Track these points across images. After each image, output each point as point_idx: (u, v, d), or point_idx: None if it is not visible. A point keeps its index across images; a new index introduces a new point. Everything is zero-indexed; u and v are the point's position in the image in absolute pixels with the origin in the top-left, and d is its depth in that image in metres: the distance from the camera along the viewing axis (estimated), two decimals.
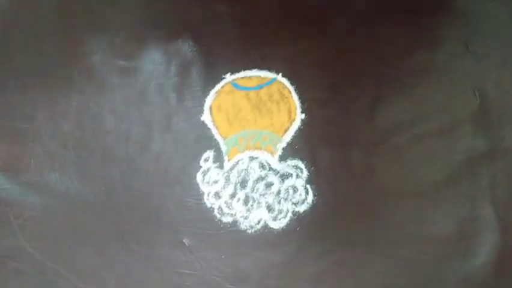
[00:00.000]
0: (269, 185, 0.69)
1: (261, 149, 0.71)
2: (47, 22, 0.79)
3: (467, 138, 0.70)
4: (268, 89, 0.74)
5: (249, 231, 0.67)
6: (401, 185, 0.68)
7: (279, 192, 0.69)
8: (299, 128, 0.71)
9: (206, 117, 0.73)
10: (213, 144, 0.71)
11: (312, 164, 0.70)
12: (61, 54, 0.77)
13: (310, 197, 0.68)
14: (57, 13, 0.78)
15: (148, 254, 0.66)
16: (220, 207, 0.68)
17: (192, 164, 0.70)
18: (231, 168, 0.70)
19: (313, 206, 0.68)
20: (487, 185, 0.68)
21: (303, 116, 0.72)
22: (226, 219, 0.68)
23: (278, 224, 0.67)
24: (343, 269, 0.65)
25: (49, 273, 0.66)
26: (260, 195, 0.69)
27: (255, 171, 0.70)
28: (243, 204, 0.68)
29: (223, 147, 0.71)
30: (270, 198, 0.68)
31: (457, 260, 0.64)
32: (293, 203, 0.68)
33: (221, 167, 0.70)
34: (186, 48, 0.75)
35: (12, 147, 0.72)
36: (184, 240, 0.67)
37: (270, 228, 0.67)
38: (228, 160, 0.71)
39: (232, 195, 0.69)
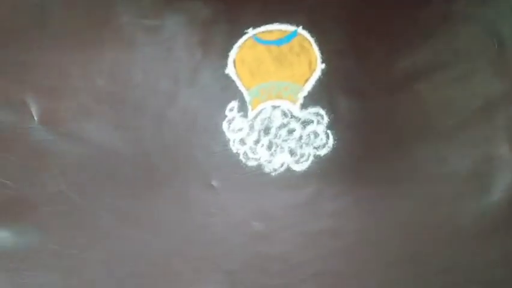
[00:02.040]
0: (291, 131, 0.72)
1: (282, 98, 0.74)
2: None
3: (485, 83, 0.72)
4: (289, 43, 0.76)
5: (273, 173, 0.71)
6: (419, 128, 0.71)
7: (300, 138, 0.72)
8: (319, 78, 0.74)
9: (230, 70, 0.76)
10: (237, 95, 0.75)
11: (332, 111, 0.72)
12: (93, 16, 0.81)
13: (330, 142, 0.71)
14: None
15: (179, 196, 0.71)
16: (245, 153, 0.72)
17: (218, 114, 0.74)
18: (255, 117, 0.73)
19: (334, 150, 0.71)
20: (504, 126, 0.69)
21: (323, 66, 0.75)
22: (251, 163, 0.71)
23: (300, 167, 0.71)
24: (361, 207, 0.68)
25: (89, 214, 0.71)
26: (283, 140, 0.72)
27: (278, 119, 0.73)
28: (267, 150, 0.72)
29: (247, 98, 0.75)
30: (292, 144, 0.72)
31: (474, 197, 0.67)
32: (314, 147, 0.71)
33: (245, 116, 0.74)
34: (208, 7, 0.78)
35: (51, 102, 0.76)
36: (212, 183, 0.71)
37: (293, 170, 0.70)
38: (252, 110, 0.74)
39: (257, 142, 0.72)
